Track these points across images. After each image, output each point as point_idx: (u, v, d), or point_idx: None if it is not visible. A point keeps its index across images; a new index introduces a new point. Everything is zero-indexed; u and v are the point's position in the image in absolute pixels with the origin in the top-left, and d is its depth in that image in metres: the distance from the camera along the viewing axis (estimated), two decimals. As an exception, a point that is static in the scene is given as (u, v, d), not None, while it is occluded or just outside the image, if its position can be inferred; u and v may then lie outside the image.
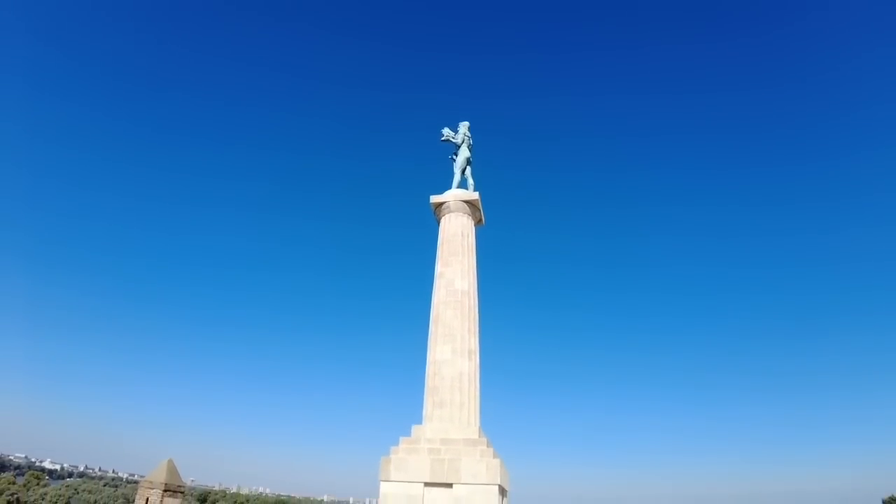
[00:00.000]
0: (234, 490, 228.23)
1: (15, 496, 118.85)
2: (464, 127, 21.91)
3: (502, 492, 16.35)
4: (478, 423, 17.48)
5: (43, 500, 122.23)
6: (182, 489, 27.51)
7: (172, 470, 27.24)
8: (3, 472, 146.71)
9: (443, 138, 21.71)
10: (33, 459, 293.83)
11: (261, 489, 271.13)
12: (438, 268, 19.54)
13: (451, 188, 20.98)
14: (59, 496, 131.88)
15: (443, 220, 20.42)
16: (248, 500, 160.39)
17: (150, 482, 26.30)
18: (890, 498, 48.06)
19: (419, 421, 17.92)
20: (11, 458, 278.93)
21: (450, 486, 15.64)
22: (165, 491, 26.15)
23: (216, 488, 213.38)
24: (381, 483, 16.13)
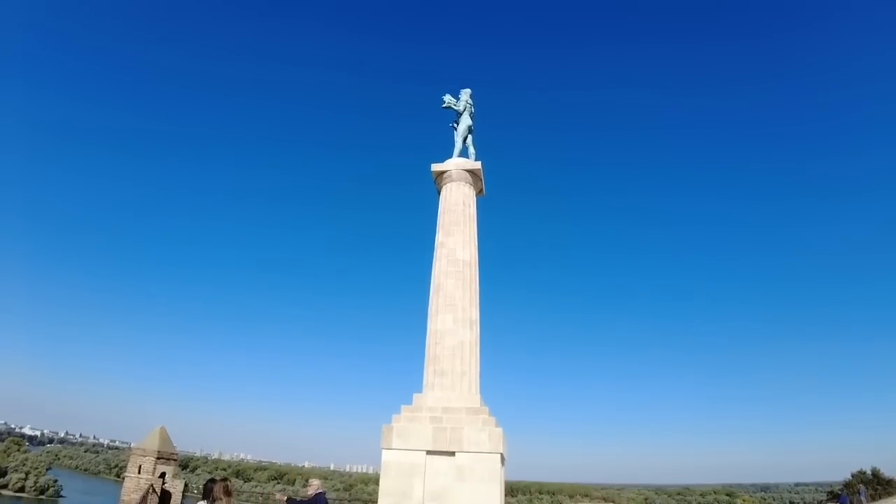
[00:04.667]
0: (214, 456, 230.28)
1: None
2: (465, 94, 21.41)
3: (502, 460, 16.57)
4: (479, 392, 17.56)
5: (24, 465, 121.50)
6: (175, 456, 27.52)
7: (165, 438, 27.15)
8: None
9: (444, 105, 21.23)
10: (13, 426, 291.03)
11: (241, 455, 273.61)
12: (439, 237, 19.33)
13: (452, 157, 20.65)
14: (41, 462, 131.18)
15: (444, 190, 20.13)
16: (228, 467, 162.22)
17: (143, 450, 26.19)
18: (859, 472, 50.08)
19: (419, 390, 17.93)
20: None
21: (452, 454, 15.76)
22: (158, 458, 26.12)
23: (197, 454, 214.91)
24: (383, 451, 16.17)
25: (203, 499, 9.25)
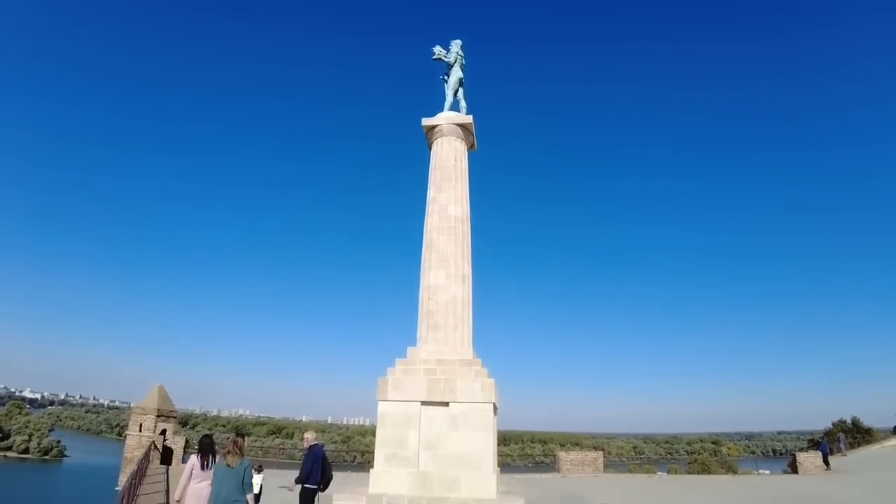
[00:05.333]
0: (214, 413, 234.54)
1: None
2: (456, 45, 20.86)
3: (495, 409, 17.02)
4: (471, 345, 17.89)
5: (26, 428, 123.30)
6: (174, 414, 28.06)
7: (164, 396, 27.61)
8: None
9: (434, 57, 20.70)
10: (13, 389, 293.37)
11: (240, 412, 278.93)
12: (431, 193, 19.23)
13: (443, 111, 20.32)
14: (43, 424, 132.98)
15: (435, 145, 19.91)
16: (228, 423, 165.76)
17: (143, 408, 26.67)
18: (840, 421, 51.79)
19: (412, 344, 18.21)
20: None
21: (446, 404, 16.16)
22: (158, 416, 26.63)
23: (197, 412, 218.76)
24: (379, 403, 16.53)
25: (198, 453, 9.41)
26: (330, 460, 11.52)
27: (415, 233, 19.75)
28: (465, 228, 19.06)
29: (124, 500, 9.68)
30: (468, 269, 18.70)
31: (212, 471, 8.57)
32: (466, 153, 20.29)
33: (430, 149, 20.20)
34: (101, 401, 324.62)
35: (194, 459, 9.22)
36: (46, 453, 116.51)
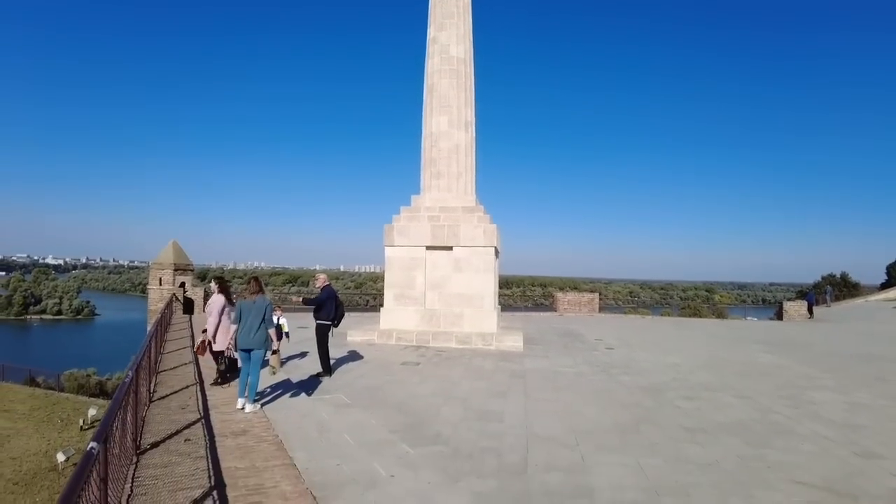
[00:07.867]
0: (230, 267, 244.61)
1: (29, 291, 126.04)
2: None
3: (496, 253, 17.57)
4: (474, 193, 17.95)
5: (56, 292, 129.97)
6: (191, 267, 29.20)
7: (178, 250, 28.57)
8: (10, 272, 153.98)
9: None
10: (35, 257, 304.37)
11: (256, 264, 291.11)
12: (431, 32, 17.93)
13: (440, -67, 18.17)
14: (70, 287, 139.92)
15: (433, -25, 18.12)
16: (244, 274, 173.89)
17: (160, 264, 27.72)
18: (829, 275, 53.57)
19: (416, 192, 18.27)
20: (14, 258, 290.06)
21: (450, 248, 16.69)
22: (175, 270, 27.80)
23: (213, 266, 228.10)
24: (386, 248, 17.10)
25: (219, 292, 9.84)
26: (343, 303, 12.12)
27: (417, 75, 18.81)
28: (468, 70, 18.06)
29: (152, 341, 10.30)
30: (471, 116, 18.09)
31: (234, 307, 9.08)
32: (468, -15, 18.53)
33: (429, -20, 18.43)
34: (122, 262, 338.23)
35: (221, 299, 9.68)
36: (79, 313, 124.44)
